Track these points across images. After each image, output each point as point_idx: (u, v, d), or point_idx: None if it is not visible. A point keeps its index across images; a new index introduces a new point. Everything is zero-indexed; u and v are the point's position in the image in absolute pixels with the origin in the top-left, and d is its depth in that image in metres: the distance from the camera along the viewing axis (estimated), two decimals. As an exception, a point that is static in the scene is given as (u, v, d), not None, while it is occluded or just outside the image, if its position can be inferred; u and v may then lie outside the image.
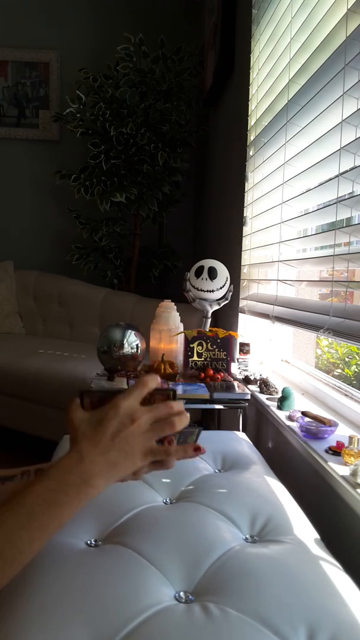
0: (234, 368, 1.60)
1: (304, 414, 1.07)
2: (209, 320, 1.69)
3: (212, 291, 1.60)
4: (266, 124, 1.48)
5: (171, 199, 2.80)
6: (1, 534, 0.49)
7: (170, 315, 1.58)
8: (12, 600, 0.56)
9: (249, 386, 1.45)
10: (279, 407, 1.23)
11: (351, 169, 0.96)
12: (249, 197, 1.70)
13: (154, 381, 0.61)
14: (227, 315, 1.99)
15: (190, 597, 0.58)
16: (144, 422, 0.58)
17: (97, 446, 0.56)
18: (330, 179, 1.06)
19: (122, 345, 1.49)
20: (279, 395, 1.25)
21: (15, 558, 0.50)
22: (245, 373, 1.54)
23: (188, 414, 0.62)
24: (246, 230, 1.73)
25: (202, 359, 1.53)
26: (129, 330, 1.52)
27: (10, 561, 0.50)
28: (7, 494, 0.62)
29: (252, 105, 1.68)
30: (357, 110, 0.91)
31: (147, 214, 2.71)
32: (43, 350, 2.42)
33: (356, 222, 0.99)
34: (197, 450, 0.62)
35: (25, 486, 0.54)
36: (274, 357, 1.66)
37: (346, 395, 1.20)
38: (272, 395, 1.35)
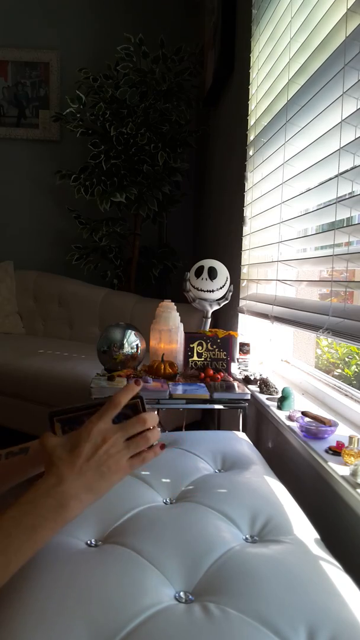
0: (234, 368, 1.60)
1: (304, 414, 1.07)
2: (209, 320, 1.69)
3: (212, 291, 1.60)
4: (266, 123, 1.48)
5: (171, 199, 2.80)
6: None
7: (170, 315, 1.58)
8: (12, 601, 0.56)
9: (249, 386, 1.45)
10: (279, 407, 1.23)
11: (351, 168, 0.96)
12: (248, 197, 1.70)
13: (125, 398, 0.62)
14: (227, 315, 1.99)
15: (190, 597, 0.58)
16: (116, 440, 0.59)
17: (73, 468, 0.57)
18: (330, 179, 1.06)
19: (122, 345, 1.49)
20: (279, 395, 1.25)
21: None
22: (245, 373, 1.54)
23: (158, 429, 0.64)
24: (246, 230, 1.74)
25: (202, 359, 1.53)
26: (129, 330, 1.52)
27: None
28: None
29: (251, 105, 1.68)
30: (357, 110, 0.91)
31: (147, 214, 2.71)
32: (43, 350, 2.42)
33: (356, 222, 0.99)
34: (163, 447, 0.65)
35: (4, 507, 0.55)
36: (274, 357, 1.66)
37: (346, 395, 1.20)
38: (272, 395, 1.35)
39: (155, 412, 0.65)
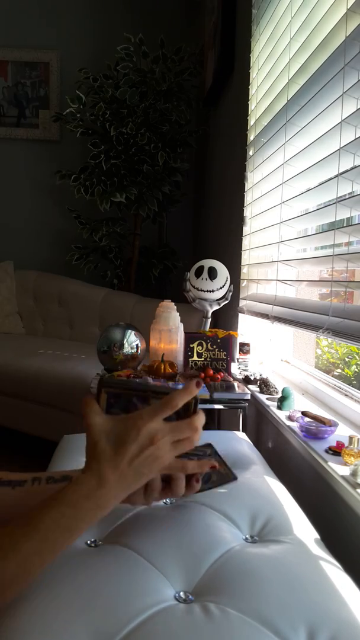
0: (234, 368, 1.60)
1: (304, 414, 1.07)
2: (209, 320, 1.69)
3: (212, 291, 1.60)
4: (266, 123, 1.48)
5: (171, 199, 2.80)
6: (15, 559, 0.49)
7: (170, 315, 1.58)
8: (12, 600, 0.56)
9: (249, 386, 1.45)
10: (279, 407, 1.23)
11: (351, 168, 0.96)
12: (248, 197, 1.70)
13: (183, 401, 0.59)
14: (227, 315, 1.99)
15: (190, 597, 0.58)
16: (164, 443, 0.57)
17: (116, 470, 0.55)
18: (330, 179, 1.06)
19: (122, 345, 1.49)
20: (279, 395, 1.25)
21: (26, 580, 0.51)
22: (245, 373, 1.55)
23: (201, 432, 0.61)
24: (246, 230, 1.74)
25: (202, 359, 1.53)
26: (129, 330, 1.52)
27: (22, 583, 0.51)
28: (17, 500, 0.62)
29: (251, 105, 1.68)
30: (357, 110, 0.91)
31: (147, 214, 2.71)
32: (43, 350, 2.42)
33: (356, 222, 0.99)
34: (213, 467, 0.63)
35: (40, 508, 0.53)
36: (274, 357, 1.66)
37: (346, 395, 1.20)
38: (272, 395, 1.35)
39: (203, 414, 0.62)
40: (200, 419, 0.60)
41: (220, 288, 1.61)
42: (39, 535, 0.51)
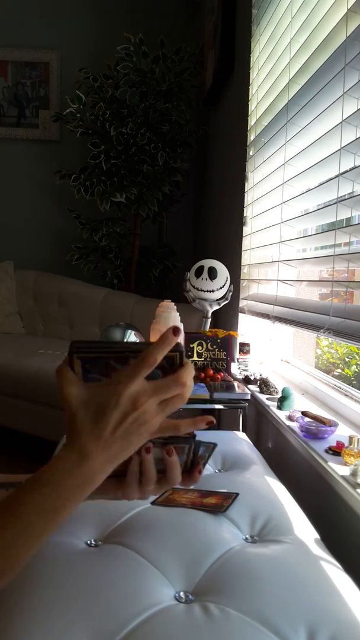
0: (234, 368, 1.60)
1: (304, 414, 1.07)
2: (209, 320, 1.69)
3: (212, 291, 1.60)
4: (266, 124, 1.48)
5: (171, 199, 2.80)
6: None
7: (170, 315, 1.58)
8: (13, 601, 0.56)
9: (249, 386, 1.45)
10: (279, 407, 1.23)
11: (351, 169, 0.96)
12: (249, 197, 1.70)
13: (162, 354, 0.53)
14: (227, 315, 1.99)
15: (190, 597, 0.58)
16: (149, 406, 0.51)
17: (99, 441, 0.50)
18: (331, 179, 1.06)
19: (122, 345, 1.49)
20: (279, 395, 1.25)
21: (11, 567, 0.48)
22: (245, 373, 1.54)
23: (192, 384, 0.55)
24: (246, 230, 1.73)
25: (202, 359, 1.53)
26: (129, 330, 1.52)
27: (7, 570, 0.47)
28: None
29: (252, 105, 1.68)
30: (357, 110, 0.91)
31: (147, 214, 2.71)
32: (43, 350, 2.42)
33: (356, 222, 0.99)
34: (210, 423, 0.57)
35: (19, 491, 0.49)
36: (274, 357, 1.66)
37: (346, 395, 1.20)
38: (272, 395, 1.35)
39: (192, 364, 0.55)
40: (188, 371, 0.54)
41: (220, 288, 1.61)
42: (22, 521, 0.48)
